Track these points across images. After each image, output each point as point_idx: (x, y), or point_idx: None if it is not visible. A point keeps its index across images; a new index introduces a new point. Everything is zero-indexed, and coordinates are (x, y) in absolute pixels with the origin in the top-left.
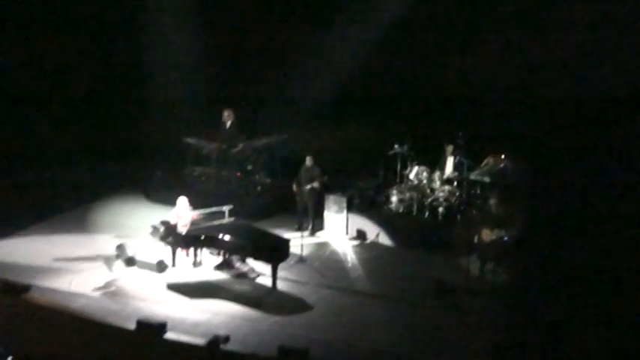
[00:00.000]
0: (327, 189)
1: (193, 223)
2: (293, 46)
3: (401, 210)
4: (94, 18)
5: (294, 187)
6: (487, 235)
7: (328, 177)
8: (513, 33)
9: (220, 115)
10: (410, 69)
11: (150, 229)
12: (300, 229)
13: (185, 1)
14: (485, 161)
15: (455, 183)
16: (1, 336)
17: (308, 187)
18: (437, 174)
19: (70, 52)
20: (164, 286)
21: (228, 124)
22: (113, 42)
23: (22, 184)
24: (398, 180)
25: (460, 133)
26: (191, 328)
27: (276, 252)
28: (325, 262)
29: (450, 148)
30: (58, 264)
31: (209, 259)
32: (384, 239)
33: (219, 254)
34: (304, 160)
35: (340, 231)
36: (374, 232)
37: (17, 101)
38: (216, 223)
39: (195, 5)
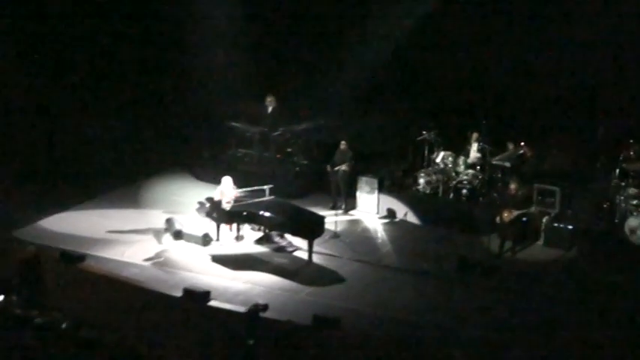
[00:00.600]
0: (359, 171)
1: (236, 200)
2: (332, 37)
3: (428, 191)
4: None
5: (328, 168)
6: (507, 215)
7: (361, 160)
8: (531, 27)
9: (263, 100)
10: (440, 60)
11: (196, 205)
12: (334, 207)
13: None
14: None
15: (478, 167)
16: (58, 301)
17: (337, 168)
18: (461, 159)
19: (116, 35)
20: (209, 258)
21: (270, 109)
22: (160, 28)
23: (80, 163)
24: (425, 164)
25: (483, 122)
26: (232, 296)
27: (312, 228)
28: (357, 238)
29: (474, 135)
30: (111, 236)
31: (250, 233)
32: (412, 218)
33: (259, 229)
34: (339, 144)
35: (371, 210)
36: (402, 211)
37: (74, 87)
38: (257, 200)
39: None
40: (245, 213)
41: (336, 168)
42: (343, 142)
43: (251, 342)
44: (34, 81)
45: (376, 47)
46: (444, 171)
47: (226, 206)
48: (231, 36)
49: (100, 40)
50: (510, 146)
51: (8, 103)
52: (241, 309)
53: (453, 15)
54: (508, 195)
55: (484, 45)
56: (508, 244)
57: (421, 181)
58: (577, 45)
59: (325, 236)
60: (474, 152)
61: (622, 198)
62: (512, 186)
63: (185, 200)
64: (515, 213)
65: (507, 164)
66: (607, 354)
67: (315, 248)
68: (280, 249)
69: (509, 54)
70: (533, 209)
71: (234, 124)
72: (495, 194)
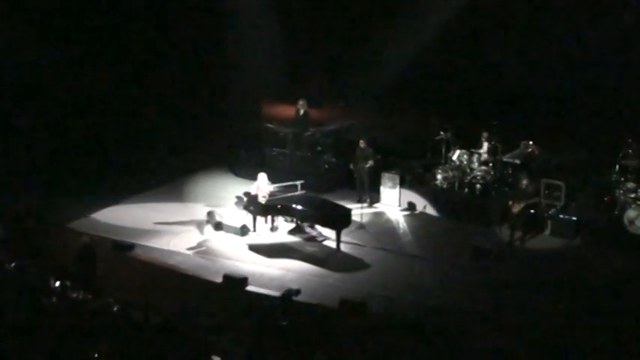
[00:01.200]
0: (383, 167)
1: (271, 194)
2: (358, 43)
3: (445, 186)
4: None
5: (351, 165)
6: (516, 207)
7: (385, 157)
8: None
9: (296, 104)
10: (458, 64)
11: (235, 199)
12: (360, 201)
13: None
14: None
15: (490, 164)
16: (110, 287)
17: (361, 165)
18: (475, 156)
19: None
20: (246, 247)
21: (302, 112)
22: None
23: (130, 160)
24: (443, 161)
25: (495, 122)
26: (268, 282)
27: (340, 220)
28: (381, 228)
29: (485, 135)
30: (158, 227)
31: (284, 225)
32: (431, 210)
33: (292, 221)
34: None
35: (394, 203)
36: (422, 204)
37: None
38: (290, 195)
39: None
40: (279, 206)
41: (359, 165)
42: (362, 141)
43: (284, 323)
44: (87, 78)
45: (399, 51)
46: (459, 168)
47: (262, 200)
48: (269, 45)
49: (149, 41)
50: (520, 145)
51: (62, 101)
52: (276, 293)
53: (468, 21)
54: (518, 189)
55: (496, 52)
56: (517, 234)
57: (439, 176)
58: (579, 46)
59: (352, 227)
60: (485, 150)
61: (621, 191)
62: (524, 181)
63: (225, 195)
64: (523, 204)
65: (517, 161)
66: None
67: (343, 238)
68: (311, 239)
69: (518, 61)
70: (539, 200)
71: (269, 125)
72: (506, 188)
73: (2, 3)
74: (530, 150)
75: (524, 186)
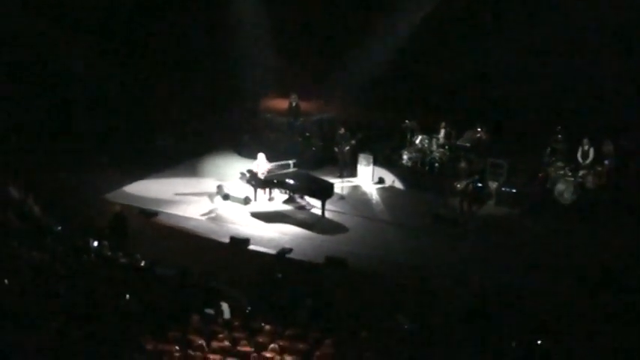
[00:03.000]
0: (359, 149)
1: (269, 171)
2: (341, 41)
3: (409, 165)
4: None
5: (335, 148)
6: (458, 185)
7: (360, 140)
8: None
9: (289, 97)
10: (424, 62)
11: (239, 175)
12: (340, 176)
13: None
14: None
15: (446, 147)
16: (138, 247)
17: (341, 148)
18: (434, 140)
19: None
20: (248, 214)
21: (294, 104)
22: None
23: (154, 142)
24: (408, 144)
25: (449, 113)
26: (266, 242)
27: (324, 192)
28: (358, 199)
29: (443, 123)
30: (176, 197)
31: (279, 196)
32: (398, 184)
33: (286, 193)
34: (338, 130)
35: (368, 178)
36: (391, 179)
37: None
38: (284, 172)
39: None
40: (275, 181)
41: (340, 147)
42: (342, 128)
43: (279, 276)
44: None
45: (376, 49)
46: (421, 150)
47: (261, 176)
48: (268, 45)
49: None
50: (470, 132)
51: (102, 94)
52: (273, 251)
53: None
54: (459, 169)
55: (454, 52)
56: (465, 205)
57: (405, 157)
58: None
59: (334, 198)
60: (442, 135)
61: (552, 169)
62: (462, 165)
63: (231, 171)
64: (464, 182)
65: (467, 144)
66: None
67: (327, 207)
68: (301, 207)
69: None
70: (477, 177)
71: (267, 115)
72: (457, 166)
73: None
74: (478, 135)
75: (464, 166)
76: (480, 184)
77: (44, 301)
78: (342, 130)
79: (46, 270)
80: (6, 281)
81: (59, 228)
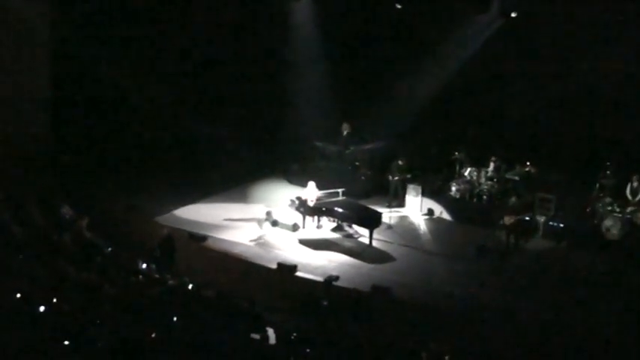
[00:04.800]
0: (408, 180)
1: (318, 199)
2: (389, 74)
3: (458, 196)
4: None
5: (390, 177)
6: (507, 219)
7: (411, 172)
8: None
9: (340, 126)
10: (472, 95)
11: (289, 202)
12: (389, 206)
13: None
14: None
15: (495, 180)
16: (186, 270)
17: (396, 178)
18: (483, 172)
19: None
20: (296, 241)
21: (345, 133)
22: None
23: (205, 168)
24: (457, 176)
25: (500, 146)
26: (313, 269)
27: (372, 221)
28: (405, 229)
29: (492, 158)
30: (225, 222)
31: (327, 224)
32: (446, 216)
33: (334, 221)
34: (395, 160)
35: (416, 209)
36: (439, 210)
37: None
38: (333, 200)
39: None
40: (324, 209)
41: (396, 178)
42: (400, 159)
43: (325, 303)
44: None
45: (425, 82)
46: (469, 182)
47: (310, 203)
48: (318, 73)
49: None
50: (519, 165)
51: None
52: (320, 279)
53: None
54: (510, 204)
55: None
56: (512, 238)
57: (453, 188)
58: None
59: (382, 227)
60: (492, 168)
61: (600, 205)
62: (512, 199)
63: (280, 198)
64: (514, 218)
65: (516, 178)
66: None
67: (375, 236)
68: (349, 236)
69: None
70: (528, 214)
71: (317, 143)
72: (506, 200)
73: None
74: (527, 169)
75: (513, 202)
76: (527, 220)
77: (92, 322)
78: (401, 161)
79: (94, 290)
80: (55, 300)
81: (109, 249)
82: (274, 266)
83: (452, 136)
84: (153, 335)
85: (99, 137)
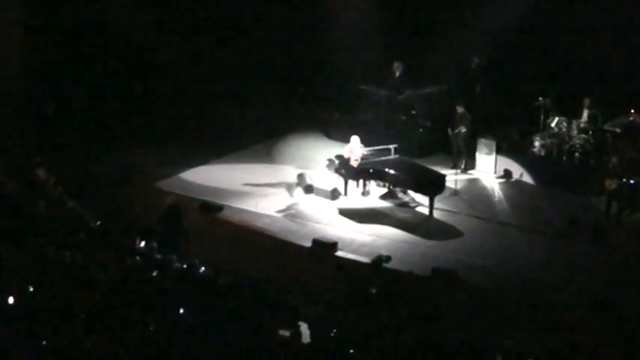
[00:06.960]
0: (479, 133)
1: (363, 158)
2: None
3: (542, 154)
4: None
5: (449, 131)
6: (609, 183)
7: (481, 123)
8: None
9: (391, 66)
10: (558, 28)
11: (326, 162)
12: (454, 166)
13: None
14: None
15: (590, 132)
16: (197, 248)
17: (457, 131)
18: (574, 124)
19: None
20: (336, 211)
21: (397, 74)
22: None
23: (221, 120)
24: (541, 128)
25: (596, 88)
26: (358, 247)
27: (433, 185)
28: (475, 196)
29: (586, 102)
30: (246, 188)
31: (375, 189)
32: (527, 178)
33: (384, 186)
34: (456, 108)
35: (489, 170)
36: (518, 172)
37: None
38: (383, 159)
39: None
40: (371, 170)
41: (456, 130)
42: (460, 107)
43: (373, 291)
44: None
45: (499, 11)
46: (557, 135)
47: (354, 163)
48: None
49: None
50: (622, 113)
51: (153, 65)
52: (366, 259)
53: None
54: (612, 163)
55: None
56: (614, 208)
57: (536, 144)
58: None
59: (445, 193)
60: (585, 118)
61: None
62: (614, 158)
63: (316, 157)
64: (616, 182)
65: (617, 130)
66: None
67: (436, 204)
68: (403, 204)
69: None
70: (636, 178)
71: (363, 87)
72: (605, 159)
73: None
74: (631, 118)
75: (615, 161)
76: (633, 184)
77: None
78: (461, 109)
79: (79, 275)
80: (31, 288)
81: (97, 223)
82: (308, 244)
83: (535, 77)
84: (154, 333)
85: (87, 83)
